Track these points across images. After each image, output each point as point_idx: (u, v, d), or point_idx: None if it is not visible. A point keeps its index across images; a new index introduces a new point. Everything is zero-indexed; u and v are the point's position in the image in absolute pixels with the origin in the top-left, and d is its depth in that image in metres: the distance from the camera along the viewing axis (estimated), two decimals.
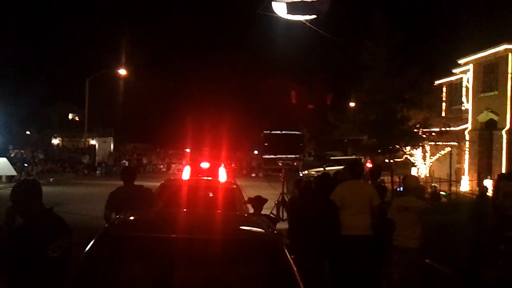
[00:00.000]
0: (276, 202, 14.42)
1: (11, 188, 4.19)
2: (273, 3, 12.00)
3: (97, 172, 36.88)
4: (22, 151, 33.23)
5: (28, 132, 50.37)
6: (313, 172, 26.60)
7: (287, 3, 11.86)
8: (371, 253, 6.96)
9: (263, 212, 8.70)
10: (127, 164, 38.15)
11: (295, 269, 3.64)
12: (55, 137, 56.74)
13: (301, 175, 26.15)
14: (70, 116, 65.06)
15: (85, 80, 40.44)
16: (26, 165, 30.32)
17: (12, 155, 30.58)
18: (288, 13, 12.03)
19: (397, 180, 19.09)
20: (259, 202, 8.34)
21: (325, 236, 7.07)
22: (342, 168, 9.51)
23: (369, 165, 23.88)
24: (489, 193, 14.11)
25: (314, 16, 12.37)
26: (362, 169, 7.91)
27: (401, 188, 10.06)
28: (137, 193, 6.93)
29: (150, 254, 3.65)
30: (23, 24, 67.00)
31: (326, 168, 26.39)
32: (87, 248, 3.66)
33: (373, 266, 7.13)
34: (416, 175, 27.09)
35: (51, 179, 27.53)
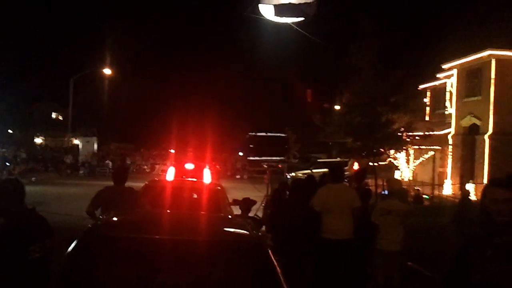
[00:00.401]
0: (262, 204, 14.40)
1: None
2: (260, 5, 12.01)
3: (80, 172, 36.60)
4: (3, 150, 32.88)
5: (10, 131, 49.79)
6: (300, 174, 26.64)
7: (274, 5, 11.87)
8: (352, 256, 6.99)
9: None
10: (110, 165, 37.95)
11: (279, 270, 3.64)
12: (38, 136, 56.18)
13: (288, 177, 26.18)
14: (54, 115, 64.51)
15: (69, 79, 40.11)
16: (7, 164, 29.99)
17: None
18: (275, 15, 12.05)
19: (381, 183, 19.21)
20: (247, 204, 8.31)
21: (306, 238, 7.09)
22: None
23: (355, 167, 24.00)
24: (471, 197, 14.28)
25: (302, 19, 12.40)
26: (343, 172, 7.94)
27: (386, 192, 10.11)
28: (124, 194, 6.89)
29: (134, 254, 3.62)
30: (6, 22, 66.27)
31: (313, 170, 26.47)
32: (70, 248, 3.62)
33: (357, 268, 7.16)
34: (399, 178, 27.30)
35: (33, 179, 27.23)
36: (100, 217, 6.59)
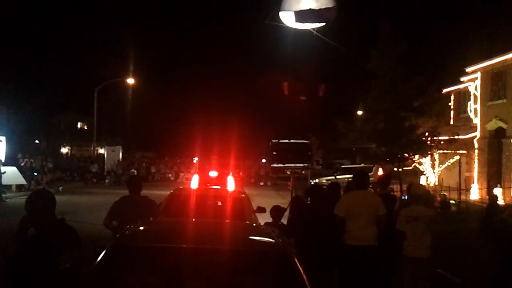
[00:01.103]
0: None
1: (21, 197, 4.22)
2: (280, 12, 12.03)
3: (106, 181, 36.98)
4: (31, 160, 33.38)
5: (37, 141, 50.64)
6: (324, 181, 26.54)
7: (295, 12, 11.88)
8: (376, 263, 6.93)
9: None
10: (135, 173, 38.28)
11: (305, 278, 3.64)
12: (64, 146, 57.03)
13: (312, 183, 26.09)
14: (79, 125, 65.37)
15: (94, 89, 40.67)
16: (35, 174, 30.43)
17: (21, 164, 30.73)
18: (296, 21, 12.06)
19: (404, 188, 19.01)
20: (278, 211, 8.24)
21: (331, 245, 7.06)
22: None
23: (380, 173, 23.80)
24: (499, 201, 14.07)
25: (323, 24, 12.39)
26: (367, 178, 7.88)
27: (406, 197, 10.04)
28: (140, 204, 6.91)
29: (161, 264, 3.66)
30: (34, 33, 67.53)
31: (337, 177, 26.34)
32: (98, 258, 3.68)
33: (382, 276, 7.10)
34: (423, 183, 27.00)
35: (60, 188, 27.61)
36: (115, 225, 6.65)
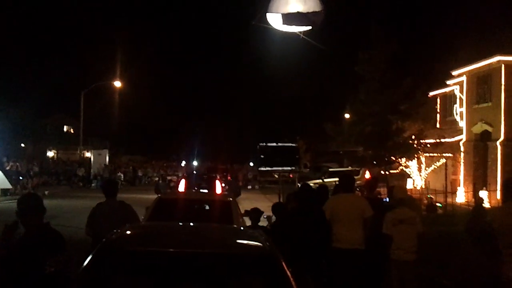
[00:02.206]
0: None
1: (6, 202, 4.19)
2: (267, 14, 12.03)
3: (92, 184, 36.73)
4: (17, 163, 33.08)
5: (23, 145, 50.17)
6: (311, 184, 26.58)
7: (282, 14, 11.89)
8: (362, 266, 6.93)
9: (260, 224, 8.68)
10: (122, 177, 38.10)
11: (293, 282, 3.64)
12: (50, 150, 56.55)
13: (300, 185, 26.09)
14: (65, 128, 64.89)
15: (80, 92, 40.43)
16: (21, 178, 30.15)
17: (7, 168, 30.42)
18: (283, 24, 12.07)
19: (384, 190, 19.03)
20: (256, 213, 8.32)
21: (318, 247, 7.05)
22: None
23: (367, 176, 23.90)
24: (485, 204, 14.17)
25: (309, 27, 12.42)
26: (352, 181, 7.90)
27: (387, 199, 10.07)
28: (117, 210, 6.87)
29: (148, 268, 3.64)
30: (19, 36, 67.08)
31: (325, 180, 26.39)
32: (85, 262, 3.64)
33: (371, 279, 7.11)
34: (409, 186, 27.15)
35: (46, 192, 27.35)
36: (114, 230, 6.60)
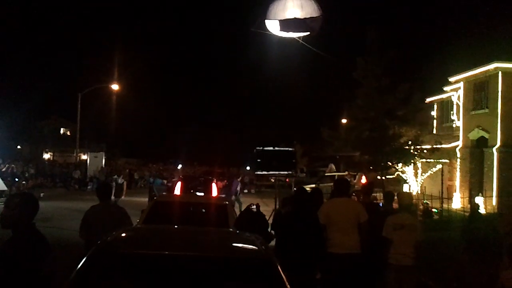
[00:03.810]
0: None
1: (0, 204, 4.14)
2: (266, 21, 12.08)
3: (88, 187, 36.60)
4: (13, 165, 32.99)
5: (19, 147, 50.08)
6: (307, 189, 26.56)
7: (280, 20, 11.93)
8: (358, 270, 6.91)
9: None
10: (118, 180, 37.99)
11: (288, 286, 3.63)
12: (47, 152, 56.41)
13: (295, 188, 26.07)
14: (62, 130, 64.79)
15: (78, 94, 40.38)
16: (16, 179, 30.08)
17: (3, 169, 30.32)
18: (281, 30, 12.11)
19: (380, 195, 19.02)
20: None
21: (313, 251, 7.02)
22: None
23: (363, 181, 23.90)
24: (481, 210, 14.18)
25: (307, 33, 12.46)
26: (348, 186, 7.89)
27: (381, 204, 10.06)
28: (111, 213, 6.87)
29: (143, 271, 3.62)
30: (16, 38, 67.02)
31: (320, 185, 26.38)
32: (79, 265, 3.62)
33: (368, 283, 7.09)
34: (405, 191, 27.17)
35: (41, 194, 27.23)
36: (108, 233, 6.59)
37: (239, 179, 25.56)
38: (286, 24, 11.89)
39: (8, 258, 3.75)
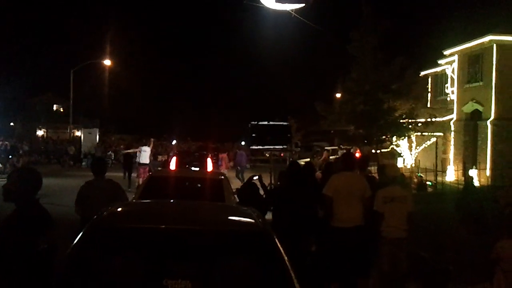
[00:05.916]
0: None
1: None
2: None
3: (83, 163, 36.54)
4: (6, 142, 32.84)
5: (12, 124, 49.77)
6: (302, 163, 26.62)
7: None
8: (363, 243, 6.94)
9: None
10: (113, 156, 37.88)
11: (286, 258, 3.63)
12: (40, 129, 56.12)
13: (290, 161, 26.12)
14: (55, 107, 64.36)
15: (70, 70, 40.03)
16: (10, 156, 29.97)
17: None
18: (276, 2, 11.97)
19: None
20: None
21: (307, 224, 7.04)
22: (335, 159, 9.50)
23: (358, 155, 23.97)
24: (475, 183, 14.27)
25: (302, 5, 12.32)
26: (354, 160, 7.89)
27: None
28: (105, 188, 6.87)
29: (140, 245, 3.61)
30: (7, 14, 66.07)
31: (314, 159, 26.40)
32: (75, 240, 3.61)
33: (365, 257, 7.12)
34: (400, 164, 27.29)
35: None
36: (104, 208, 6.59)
37: (226, 154, 25.53)
38: None
39: (11, 230, 3.76)
